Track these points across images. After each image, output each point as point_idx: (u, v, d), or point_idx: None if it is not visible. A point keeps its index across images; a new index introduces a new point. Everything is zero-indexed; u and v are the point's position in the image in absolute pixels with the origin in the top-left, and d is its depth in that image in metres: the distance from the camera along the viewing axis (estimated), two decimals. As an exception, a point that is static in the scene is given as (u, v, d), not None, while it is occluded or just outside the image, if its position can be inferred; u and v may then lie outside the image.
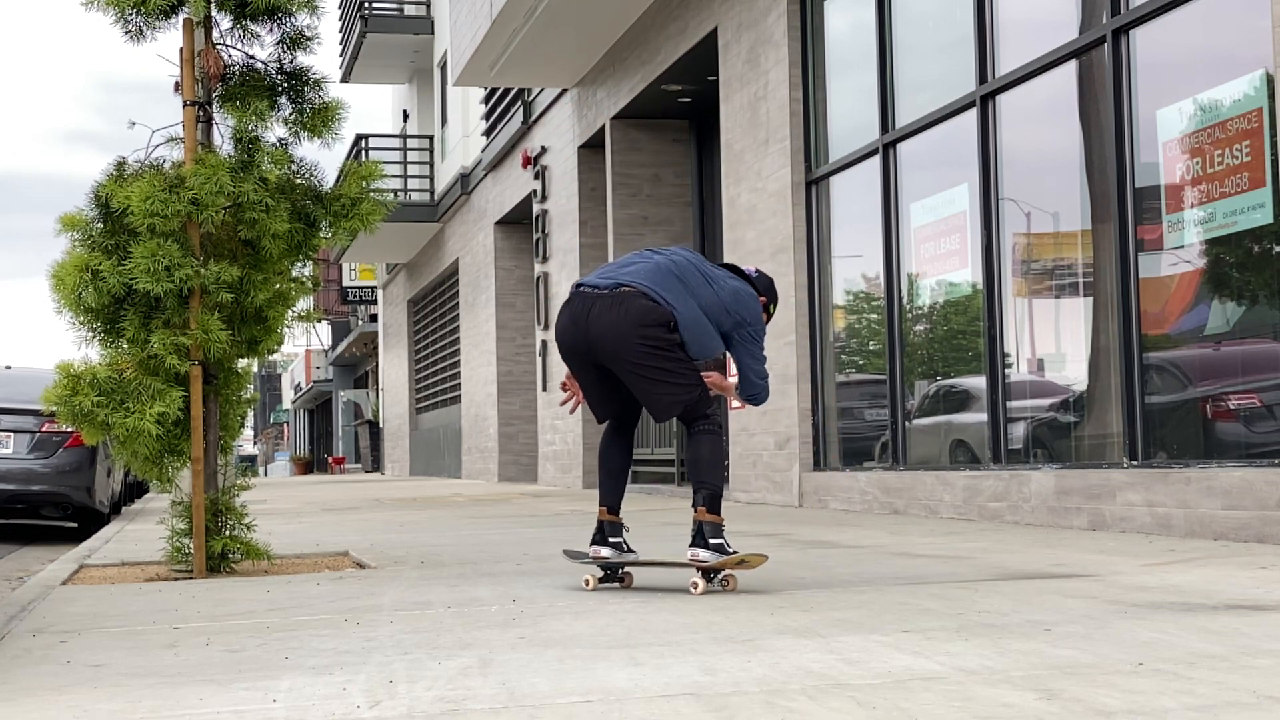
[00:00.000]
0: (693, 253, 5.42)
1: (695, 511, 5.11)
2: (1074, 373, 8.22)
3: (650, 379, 5.13)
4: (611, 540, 5.34)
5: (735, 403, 5.64)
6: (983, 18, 8.78)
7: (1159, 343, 7.26)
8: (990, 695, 3.02)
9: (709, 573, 5.10)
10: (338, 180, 7.08)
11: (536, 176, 18.84)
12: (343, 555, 7.55)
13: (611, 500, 5.39)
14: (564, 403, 5.61)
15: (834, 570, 5.81)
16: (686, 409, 5.17)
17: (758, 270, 5.54)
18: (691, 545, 5.09)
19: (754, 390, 5.41)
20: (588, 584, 5.36)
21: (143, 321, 6.45)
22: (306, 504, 15.22)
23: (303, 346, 53.09)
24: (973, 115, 8.85)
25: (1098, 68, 7.69)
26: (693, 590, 5.06)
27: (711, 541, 5.05)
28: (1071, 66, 8.00)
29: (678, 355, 5.13)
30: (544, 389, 18.67)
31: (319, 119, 6.95)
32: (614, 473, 5.42)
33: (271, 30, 6.92)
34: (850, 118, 10.74)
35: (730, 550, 5.09)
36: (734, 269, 5.48)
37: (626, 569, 5.45)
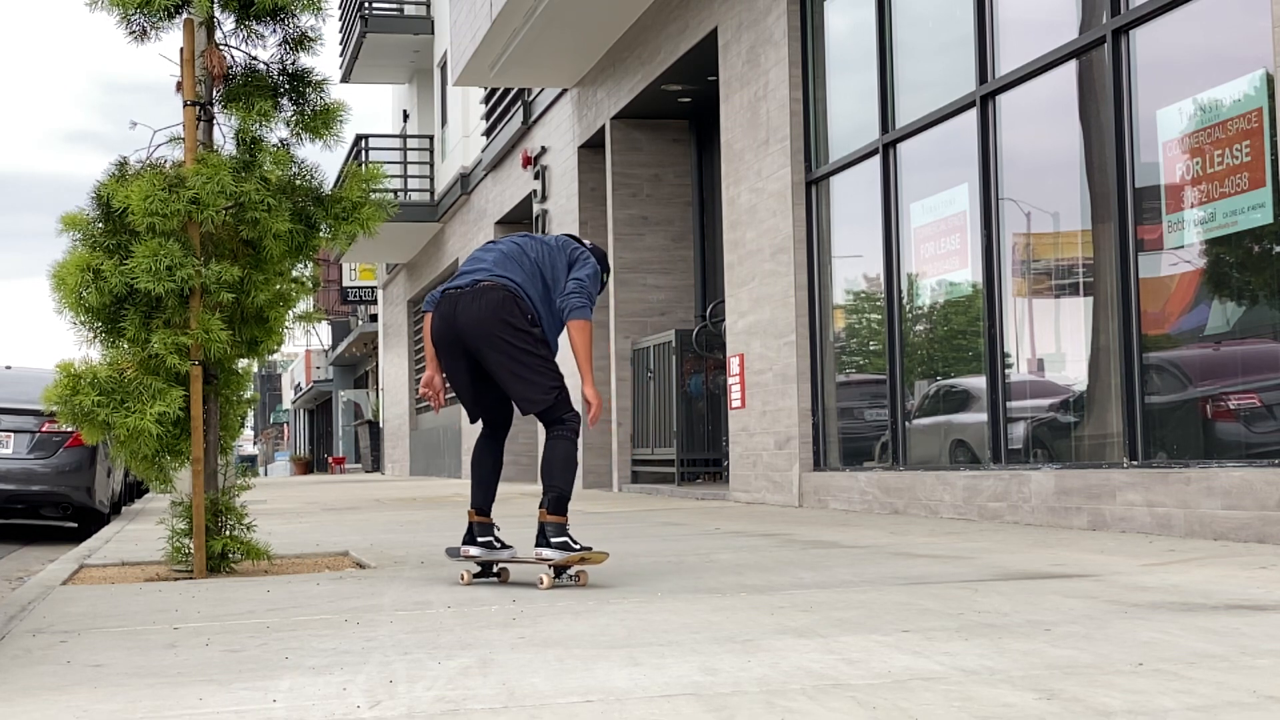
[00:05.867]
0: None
1: (539, 512, 5.45)
2: (1074, 373, 8.21)
3: (514, 373, 5.51)
4: (480, 540, 5.75)
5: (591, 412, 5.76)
6: (983, 18, 8.78)
7: (1159, 343, 7.26)
8: (990, 695, 3.03)
9: (558, 569, 5.46)
10: (338, 182, 7.07)
11: (536, 176, 18.84)
12: (343, 555, 7.55)
13: (480, 503, 5.79)
14: (426, 399, 5.92)
15: (834, 570, 5.81)
16: (546, 409, 5.52)
17: (592, 243, 5.93)
18: (536, 545, 5.46)
19: (572, 296, 5.58)
20: (463, 579, 5.77)
21: (143, 321, 6.45)
22: (306, 504, 15.22)
23: (303, 346, 53.08)
24: (973, 115, 8.85)
25: (1098, 68, 7.69)
26: (539, 585, 5.41)
27: (554, 540, 5.41)
28: (1071, 66, 8.00)
29: (540, 352, 5.53)
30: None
31: (320, 120, 6.95)
32: (483, 479, 5.83)
33: (275, 31, 6.92)
34: (850, 118, 10.74)
35: (575, 547, 5.42)
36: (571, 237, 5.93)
37: (502, 565, 5.82)
